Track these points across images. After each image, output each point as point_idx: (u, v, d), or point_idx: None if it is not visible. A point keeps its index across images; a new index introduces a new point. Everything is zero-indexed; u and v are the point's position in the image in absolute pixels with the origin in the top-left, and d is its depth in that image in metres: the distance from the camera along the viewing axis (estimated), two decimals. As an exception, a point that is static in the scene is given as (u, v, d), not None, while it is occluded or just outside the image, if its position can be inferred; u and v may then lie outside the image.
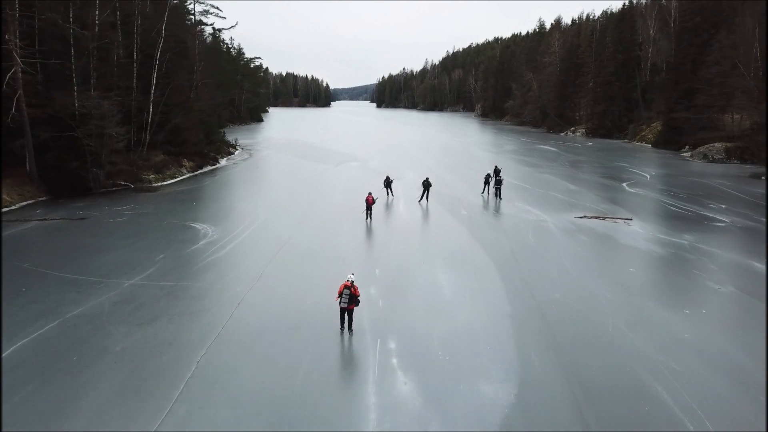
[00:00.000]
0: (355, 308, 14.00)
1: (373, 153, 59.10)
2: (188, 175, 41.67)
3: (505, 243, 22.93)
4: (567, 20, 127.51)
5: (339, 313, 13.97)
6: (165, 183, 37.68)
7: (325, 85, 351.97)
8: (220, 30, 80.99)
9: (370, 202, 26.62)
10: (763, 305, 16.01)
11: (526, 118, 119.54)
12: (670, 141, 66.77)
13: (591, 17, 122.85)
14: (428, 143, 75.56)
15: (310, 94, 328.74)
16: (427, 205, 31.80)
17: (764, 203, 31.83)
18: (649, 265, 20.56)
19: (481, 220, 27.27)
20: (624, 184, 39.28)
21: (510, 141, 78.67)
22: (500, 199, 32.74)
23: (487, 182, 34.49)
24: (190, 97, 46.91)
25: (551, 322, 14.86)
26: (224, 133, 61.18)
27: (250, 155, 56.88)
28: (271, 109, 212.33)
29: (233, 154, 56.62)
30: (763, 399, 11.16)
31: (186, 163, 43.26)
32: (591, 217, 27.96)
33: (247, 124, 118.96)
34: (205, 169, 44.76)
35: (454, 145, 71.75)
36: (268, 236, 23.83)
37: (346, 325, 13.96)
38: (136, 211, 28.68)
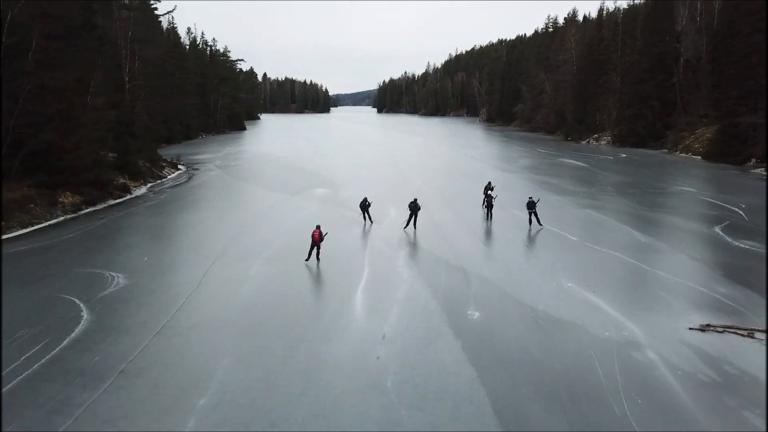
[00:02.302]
0: None
1: (352, 174, 45.57)
2: (63, 218, 28.09)
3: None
4: (579, 17, 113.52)
5: None
6: (5, 236, 24.13)
7: (324, 90, 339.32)
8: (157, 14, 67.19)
9: (316, 239, 20.00)
10: None
11: (539, 123, 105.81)
12: (729, 152, 52.88)
13: (607, 12, 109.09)
14: (425, 158, 61.93)
15: (308, 99, 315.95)
16: (414, 234, 22.95)
17: None
18: None
19: (509, 347, 13.50)
20: (717, 230, 25.52)
21: (524, 153, 64.95)
22: (539, 224, 25.71)
23: (487, 200, 27.84)
24: (84, 104, 33.47)
25: None
26: (155, 150, 47.53)
27: (190, 178, 43.42)
28: (265, 116, 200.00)
29: (166, 177, 43.16)
30: None
31: (67, 198, 29.78)
32: (723, 330, 14.25)
33: (224, 133, 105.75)
34: (100, 206, 31.21)
35: (456, 161, 58.12)
36: (35, 415, 10.23)
37: None
38: None
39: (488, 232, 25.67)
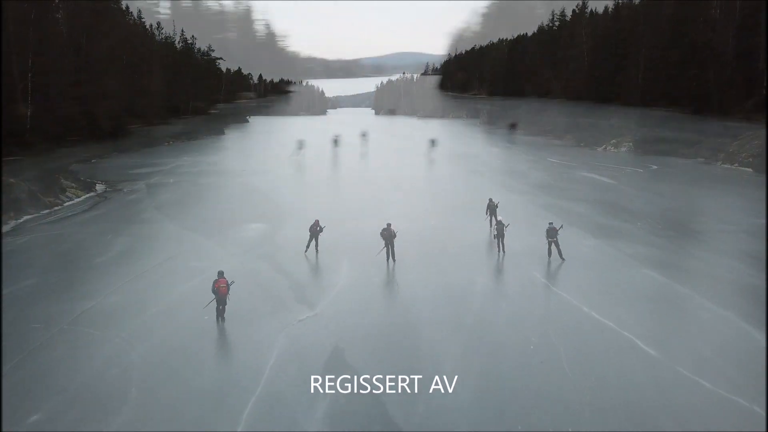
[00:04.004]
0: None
1: (308, 196, 34.84)
2: None
3: None
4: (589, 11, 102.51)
5: None
6: None
7: (320, 91, 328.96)
8: None
9: (224, 292, 15.22)
10: None
11: (546, 126, 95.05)
12: (792, 165, 42.19)
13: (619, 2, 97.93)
14: (412, 172, 51.16)
15: (304, 101, 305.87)
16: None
17: None
18: None
19: None
20: None
21: (534, 163, 54.15)
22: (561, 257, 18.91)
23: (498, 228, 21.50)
24: None
25: None
26: (51, 166, 36.66)
27: (94, 205, 32.52)
28: (255, 118, 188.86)
29: (62, 204, 32.38)
30: None
31: None
32: None
33: (197, 138, 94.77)
34: None
35: (451, 176, 47.40)
36: None
37: None
38: None
39: (493, 325, 14.91)
